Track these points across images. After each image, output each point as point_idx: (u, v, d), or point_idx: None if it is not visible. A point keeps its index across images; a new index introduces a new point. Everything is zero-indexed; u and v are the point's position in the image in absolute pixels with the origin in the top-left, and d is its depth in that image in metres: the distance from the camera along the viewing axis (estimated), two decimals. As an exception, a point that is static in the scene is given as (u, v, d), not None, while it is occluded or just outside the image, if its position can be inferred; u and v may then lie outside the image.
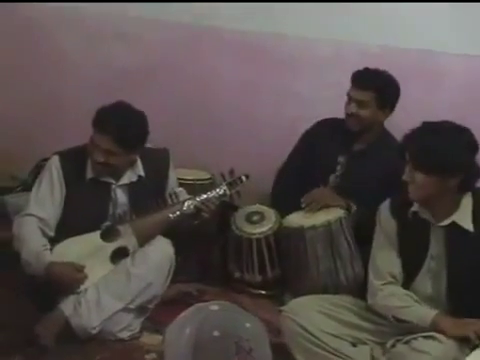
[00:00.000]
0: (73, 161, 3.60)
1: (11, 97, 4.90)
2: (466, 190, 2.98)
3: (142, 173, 3.66)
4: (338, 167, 4.05)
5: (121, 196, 3.65)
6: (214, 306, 1.71)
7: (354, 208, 3.86)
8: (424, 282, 3.08)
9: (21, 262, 3.47)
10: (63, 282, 3.43)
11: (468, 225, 2.98)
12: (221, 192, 3.76)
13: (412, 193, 2.98)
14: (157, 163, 3.75)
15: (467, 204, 3.00)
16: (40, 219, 3.52)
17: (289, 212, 3.96)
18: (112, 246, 3.56)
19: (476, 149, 2.96)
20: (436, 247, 3.05)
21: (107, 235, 3.58)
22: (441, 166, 2.87)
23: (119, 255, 3.56)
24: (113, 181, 3.62)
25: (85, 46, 4.83)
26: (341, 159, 4.05)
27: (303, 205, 3.91)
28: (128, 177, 3.65)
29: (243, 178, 3.82)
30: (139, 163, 3.65)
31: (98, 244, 3.55)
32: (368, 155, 4.00)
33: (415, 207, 3.05)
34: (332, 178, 4.06)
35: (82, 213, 3.55)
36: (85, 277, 3.47)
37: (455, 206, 2.99)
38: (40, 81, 4.90)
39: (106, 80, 4.69)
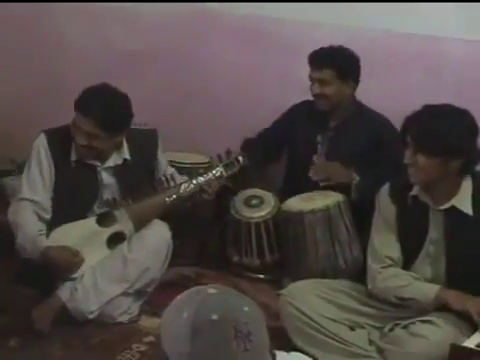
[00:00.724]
0: (60, 141, 3.54)
1: (12, 80, 4.90)
2: (466, 173, 2.98)
3: (127, 156, 3.60)
4: (318, 147, 4.07)
5: (107, 178, 3.61)
6: (212, 289, 1.70)
7: (357, 179, 3.86)
8: (423, 266, 3.09)
9: (16, 246, 3.46)
10: (59, 266, 3.41)
11: (467, 209, 2.97)
12: (218, 174, 3.74)
13: (413, 176, 2.98)
14: (145, 145, 3.69)
15: (467, 188, 2.99)
16: (34, 202, 3.50)
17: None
18: (108, 231, 3.55)
19: (476, 132, 2.96)
20: (435, 231, 3.04)
21: (103, 220, 3.57)
22: (443, 148, 2.87)
23: (115, 240, 3.55)
24: (98, 163, 3.58)
25: (86, 29, 4.83)
26: (319, 139, 4.08)
27: (315, 178, 3.92)
28: (113, 160, 3.60)
29: (240, 159, 3.81)
30: (125, 145, 3.60)
31: (94, 229, 3.54)
32: (346, 129, 4.04)
33: (415, 191, 3.05)
34: (315, 159, 4.07)
35: (71, 195, 3.52)
36: (81, 261, 3.46)
37: (455, 190, 2.99)
38: (41, 64, 4.90)
39: (107, 63, 4.68)
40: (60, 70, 4.86)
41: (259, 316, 1.70)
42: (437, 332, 2.86)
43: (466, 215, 2.97)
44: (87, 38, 4.80)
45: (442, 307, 2.96)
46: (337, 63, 3.95)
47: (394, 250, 3.11)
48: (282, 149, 4.29)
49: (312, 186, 3.96)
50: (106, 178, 3.61)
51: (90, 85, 3.48)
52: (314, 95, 4.01)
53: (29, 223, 3.46)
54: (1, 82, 4.88)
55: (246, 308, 1.67)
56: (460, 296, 2.94)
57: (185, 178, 3.75)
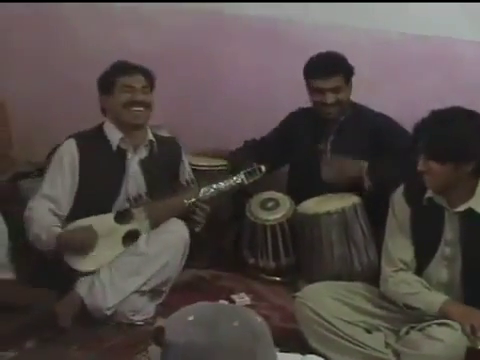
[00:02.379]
0: (89, 139, 3.68)
1: (28, 84, 4.92)
2: (479, 176, 2.97)
3: (152, 138, 3.72)
4: (323, 156, 4.08)
5: (134, 169, 3.68)
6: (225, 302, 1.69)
7: (365, 166, 3.87)
8: (438, 268, 3.08)
9: (31, 239, 3.50)
10: (74, 245, 3.45)
11: None
12: (239, 181, 3.75)
13: (429, 183, 2.97)
14: (170, 148, 3.82)
15: None
16: (52, 201, 3.56)
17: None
18: (125, 229, 3.58)
19: None
20: (451, 233, 3.03)
21: (121, 217, 3.59)
22: (455, 154, 2.86)
23: (131, 238, 3.57)
24: (129, 153, 3.67)
25: (101, 31, 4.85)
26: (322, 146, 4.09)
27: (326, 177, 3.95)
28: (142, 152, 3.71)
29: (262, 168, 3.83)
30: (149, 131, 3.74)
31: (111, 225, 3.57)
32: (346, 131, 4.04)
33: (430, 193, 3.04)
34: (323, 167, 4.06)
35: (97, 190, 3.58)
36: (96, 237, 3.49)
37: (471, 192, 2.98)
38: (57, 67, 4.92)
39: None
40: (76, 73, 4.88)
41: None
42: (454, 335, 2.85)
43: None
44: (102, 41, 4.82)
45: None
46: (342, 67, 3.96)
47: (407, 253, 3.10)
48: (280, 158, 4.27)
49: (316, 194, 3.98)
50: (133, 168, 3.67)
51: None
52: (328, 104, 3.97)
53: (44, 217, 3.52)
54: (18, 85, 4.90)
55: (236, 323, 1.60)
56: (465, 311, 2.94)
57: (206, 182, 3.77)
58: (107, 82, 3.69)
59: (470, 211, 2.98)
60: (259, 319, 1.62)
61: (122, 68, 3.72)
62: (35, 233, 3.49)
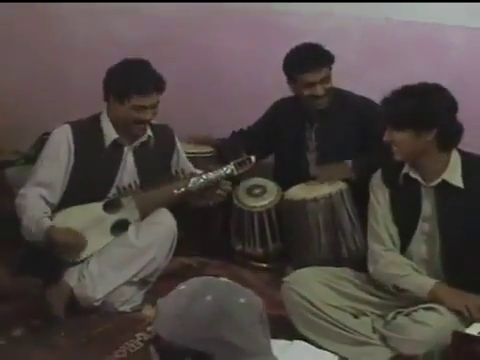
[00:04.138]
0: (86, 129, 3.62)
1: (16, 73, 4.90)
2: (447, 148, 3.04)
3: (150, 133, 3.67)
4: (309, 143, 4.09)
5: (130, 160, 3.66)
6: (222, 279, 1.71)
7: (350, 162, 3.89)
8: (418, 245, 3.12)
9: (21, 229, 3.48)
10: (62, 247, 3.42)
11: (458, 182, 3.03)
12: (228, 171, 3.73)
13: (395, 153, 3.05)
14: (163, 136, 3.78)
15: (456, 163, 3.05)
16: (45, 187, 3.53)
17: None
18: (113, 218, 3.57)
19: (452, 107, 3.02)
20: (428, 208, 3.09)
21: (109, 207, 3.58)
22: (411, 120, 2.96)
23: (120, 227, 3.56)
24: (127, 143, 3.65)
25: (89, 21, 4.83)
26: (307, 134, 4.09)
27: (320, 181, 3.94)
28: (139, 138, 3.67)
29: (252, 159, 3.82)
30: (148, 126, 3.68)
31: (99, 214, 3.55)
32: (331, 119, 4.03)
33: (406, 168, 3.11)
34: (309, 155, 4.10)
35: (90, 180, 3.55)
36: (84, 245, 3.48)
37: (444, 166, 3.05)
38: (45, 56, 4.91)
39: (111, 54, 4.66)
40: (63, 63, 4.87)
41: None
42: (440, 319, 2.87)
43: (457, 189, 3.03)
44: (90, 30, 4.80)
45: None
46: (326, 58, 3.95)
47: (393, 231, 3.14)
48: (266, 147, 4.26)
49: (302, 182, 3.98)
50: (130, 160, 3.65)
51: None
52: (319, 96, 3.95)
53: (35, 206, 3.49)
54: (5, 74, 4.88)
55: (259, 298, 1.68)
56: (454, 294, 2.96)
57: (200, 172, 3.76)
58: (120, 91, 3.54)
59: (444, 184, 3.04)
60: (243, 300, 1.63)
61: (138, 84, 3.51)
62: (25, 225, 3.46)
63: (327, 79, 3.95)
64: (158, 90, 3.56)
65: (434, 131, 2.96)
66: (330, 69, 3.97)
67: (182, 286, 1.68)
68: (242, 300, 1.62)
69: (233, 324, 1.60)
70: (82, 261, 3.50)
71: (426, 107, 2.96)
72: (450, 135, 3.03)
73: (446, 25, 4.25)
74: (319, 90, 3.94)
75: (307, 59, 3.94)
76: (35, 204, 3.50)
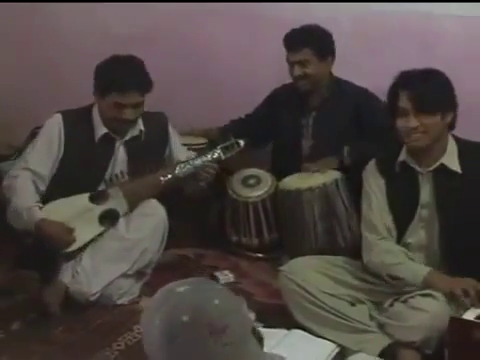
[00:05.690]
0: (78, 121, 3.62)
1: (9, 67, 4.89)
2: (453, 128, 3.08)
3: (142, 128, 3.66)
4: (304, 130, 4.10)
5: (122, 154, 3.65)
6: (181, 287, 1.63)
7: (346, 150, 3.90)
8: (417, 232, 3.12)
9: (9, 214, 3.48)
10: (51, 240, 3.42)
11: (456, 167, 3.04)
12: (215, 156, 3.73)
13: (421, 139, 3.01)
14: (156, 126, 3.75)
15: (452, 148, 3.08)
16: (34, 172, 3.53)
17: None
18: (100, 208, 3.56)
19: (453, 89, 3.07)
20: (426, 194, 3.10)
21: (96, 198, 3.57)
22: (442, 102, 2.99)
23: (108, 217, 3.55)
24: (119, 138, 3.63)
25: (82, 14, 4.82)
26: (304, 121, 4.10)
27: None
28: (130, 133, 3.65)
29: (240, 142, 3.81)
30: (140, 120, 3.66)
31: (87, 206, 3.54)
32: (328, 108, 4.05)
33: (402, 157, 3.11)
34: (304, 142, 4.11)
35: (81, 171, 3.55)
36: (73, 239, 3.47)
37: (441, 151, 3.06)
38: (38, 50, 4.90)
39: (104, 48, 4.64)
40: (56, 56, 4.86)
41: (234, 304, 1.64)
42: (437, 305, 2.87)
43: (455, 174, 3.04)
44: (83, 23, 4.79)
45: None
46: (314, 42, 3.95)
47: (388, 219, 3.14)
48: (266, 134, 4.27)
49: (299, 170, 3.99)
50: (121, 153, 3.65)
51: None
52: (295, 77, 4.00)
53: (27, 190, 3.49)
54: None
55: (217, 301, 1.61)
56: (447, 279, 2.97)
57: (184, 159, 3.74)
58: (101, 86, 3.53)
59: (442, 168, 3.05)
60: (186, 318, 1.57)
61: (118, 82, 3.48)
62: (16, 210, 3.45)
63: (307, 62, 3.96)
64: (140, 90, 3.51)
65: (453, 112, 3.03)
66: (319, 55, 3.96)
67: (157, 294, 1.65)
68: (185, 319, 1.57)
69: (178, 348, 1.56)
70: (74, 254, 3.49)
71: (450, 89, 3.03)
72: (456, 117, 3.08)
73: (440, 14, 4.25)
74: (295, 70, 3.96)
75: (289, 37, 3.98)
76: (27, 188, 3.50)
